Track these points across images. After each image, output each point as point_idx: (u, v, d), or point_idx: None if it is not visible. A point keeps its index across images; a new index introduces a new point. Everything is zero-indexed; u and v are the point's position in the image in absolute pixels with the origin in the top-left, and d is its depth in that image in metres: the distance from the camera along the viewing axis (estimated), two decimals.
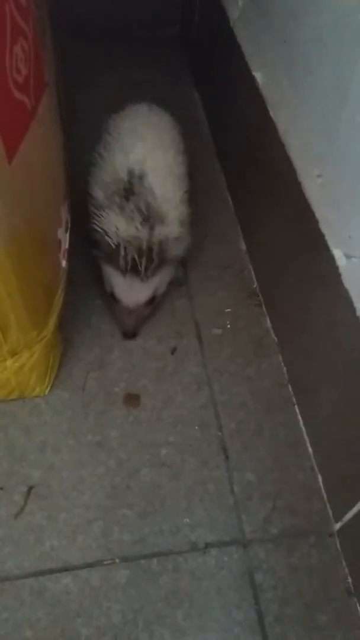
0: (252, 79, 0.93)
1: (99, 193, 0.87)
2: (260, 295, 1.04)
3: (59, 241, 0.80)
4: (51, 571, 0.76)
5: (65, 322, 0.93)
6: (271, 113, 0.87)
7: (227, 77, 1.13)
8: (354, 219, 0.69)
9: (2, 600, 0.73)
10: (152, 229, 0.82)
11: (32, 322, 0.76)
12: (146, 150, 0.88)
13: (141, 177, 0.85)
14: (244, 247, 1.10)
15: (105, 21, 1.48)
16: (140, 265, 0.82)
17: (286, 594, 0.75)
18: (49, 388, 0.89)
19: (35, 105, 0.63)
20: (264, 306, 1.02)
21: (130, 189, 0.84)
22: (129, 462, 0.84)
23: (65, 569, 0.76)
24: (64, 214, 0.82)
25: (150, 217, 0.83)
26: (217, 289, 1.05)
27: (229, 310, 1.02)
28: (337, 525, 0.79)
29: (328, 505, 0.81)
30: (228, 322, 1.01)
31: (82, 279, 1.00)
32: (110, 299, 0.91)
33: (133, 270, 0.83)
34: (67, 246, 0.84)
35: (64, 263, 0.83)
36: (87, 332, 0.97)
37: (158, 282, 0.88)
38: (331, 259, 0.70)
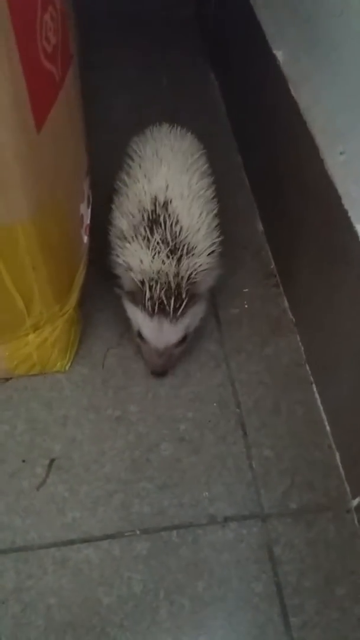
0: (273, 57, 0.93)
1: (122, 222, 0.82)
2: (277, 276, 1.04)
3: (82, 216, 0.81)
4: (72, 542, 0.77)
5: (85, 300, 0.94)
6: (292, 91, 0.87)
7: (246, 56, 1.12)
8: None
9: (26, 569, 0.74)
10: (179, 262, 0.76)
11: (55, 296, 0.77)
12: (170, 176, 0.83)
13: (165, 205, 0.80)
14: (260, 227, 1.10)
15: (120, 2, 1.48)
16: (169, 307, 0.76)
17: (304, 567, 0.76)
18: (69, 364, 0.90)
19: (63, 76, 0.64)
20: (281, 286, 1.03)
21: (155, 219, 0.79)
22: (148, 437, 0.85)
23: (87, 540, 0.77)
24: (86, 189, 0.82)
25: (177, 249, 0.77)
26: (235, 269, 1.05)
27: (246, 290, 1.03)
28: (355, 502, 0.80)
29: (345, 482, 0.82)
30: (245, 302, 1.01)
31: (100, 256, 1.00)
32: (137, 337, 0.84)
33: (161, 311, 0.77)
34: (88, 222, 0.84)
35: (85, 239, 0.84)
36: (106, 310, 0.98)
37: (189, 321, 0.81)
38: (354, 235, 0.70)
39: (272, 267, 1.06)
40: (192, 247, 0.78)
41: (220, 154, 1.20)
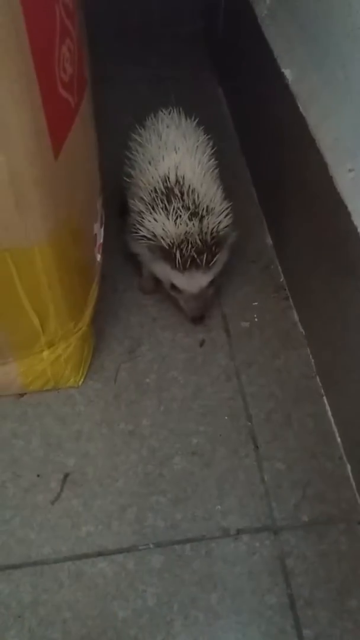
0: (281, 75, 0.94)
1: (139, 205, 0.89)
2: (287, 289, 1.05)
3: (95, 235, 0.82)
4: (87, 556, 0.78)
5: (96, 315, 0.95)
6: (301, 109, 0.89)
7: (254, 73, 1.14)
8: None
9: (41, 583, 0.75)
10: (201, 221, 0.84)
11: (70, 313, 0.78)
12: (179, 156, 0.90)
13: (178, 180, 0.87)
14: (270, 241, 1.12)
15: (128, 17, 1.50)
16: (201, 261, 0.84)
17: (317, 579, 0.77)
18: (82, 379, 0.91)
19: (78, 102, 0.65)
20: (291, 299, 1.04)
21: (170, 192, 0.86)
22: (161, 451, 0.86)
23: (101, 554, 0.78)
24: (99, 209, 0.84)
25: (197, 212, 0.85)
26: (244, 283, 1.06)
27: (256, 303, 1.04)
28: None
29: (357, 494, 0.83)
30: (255, 316, 1.02)
31: (110, 272, 1.03)
32: (171, 291, 0.92)
33: (192, 265, 0.85)
34: (101, 240, 0.86)
35: (98, 257, 0.86)
36: (117, 325, 1.00)
37: (217, 267, 0.90)
38: None
39: (281, 280, 1.07)
40: (211, 209, 0.86)
41: (229, 169, 1.20)
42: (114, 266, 1.04)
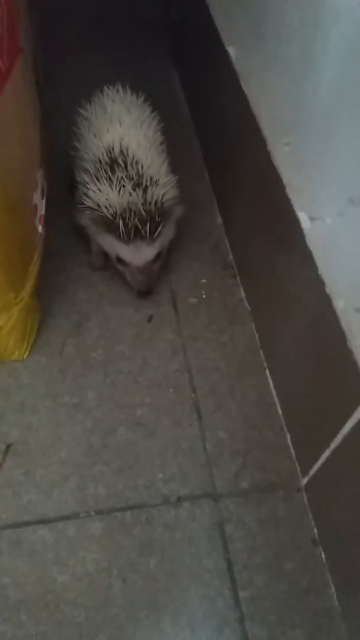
0: (226, 54, 0.96)
1: (84, 176, 0.89)
2: (235, 267, 1.07)
3: (35, 206, 0.83)
4: (28, 523, 0.78)
5: (44, 291, 0.96)
6: (244, 87, 0.90)
7: (204, 55, 1.15)
8: (318, 182, 0.72)
9: None
10: (145, 192, 0.84)
11: (8, 283, 0.79)
12: (123, 129, 0.91)
13: (122, 151, 0.88)
14: (219, 220, 1.13)
15: (85, 2, 1.50)
16: (145, 231, 0.85)
17: (255, 544, 0.79)
18: (27, 353, 0.91)
19: (9, 68, 0.66)
20: (238, 277, 1.05)
21: (114, 162, 0.87)
22: (105, 422, 0.87)
23: (42, 522, 0.79)
24: (40, 180, 0.84)
25: (141, 183, 0.85)
26: (193, 260, 1.08)
27: (204, 281, 1.05)
28: (304, 480, 0.83)
29: (296, 462, 0.85)
30: (203, 292, 1.04)
31: (60, 250, 1.03)
32: (117, 264, 0.92)
33: (137, 235, 0.85)
34: (43, 212, 0.86)
35: (40, 228, 0.86)
36: (64, 301, 1.00)
37: (162, 240, 0.90)
38: (296, 222, 0.73)
39: (230, 258, 1.08)
40: (155, 180, 0.86)
41: (183, 152, 1.23)
42: (64, 244, 1.05)
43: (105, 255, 0.99)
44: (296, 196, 0.75)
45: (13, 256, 0.76)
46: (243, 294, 1.03)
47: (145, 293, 0.95)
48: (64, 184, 1.02)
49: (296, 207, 0.74)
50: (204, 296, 1.03)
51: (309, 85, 0.74)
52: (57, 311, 0.98)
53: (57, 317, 0.98)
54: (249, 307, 1.01)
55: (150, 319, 0.99)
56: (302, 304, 0.77)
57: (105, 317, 0.99)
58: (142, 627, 0.73)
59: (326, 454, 0.74)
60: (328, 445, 0.72)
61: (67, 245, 1.05)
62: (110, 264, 1.00)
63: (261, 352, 0.96)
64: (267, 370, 0.94)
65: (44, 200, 0.86)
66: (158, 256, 0.92)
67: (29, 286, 0.82)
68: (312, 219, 0.72)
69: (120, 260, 0.91)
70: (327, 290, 0.66)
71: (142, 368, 0.93)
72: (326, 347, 0.70)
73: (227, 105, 1.00)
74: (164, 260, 0.98)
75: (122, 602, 0.74)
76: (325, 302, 0.66)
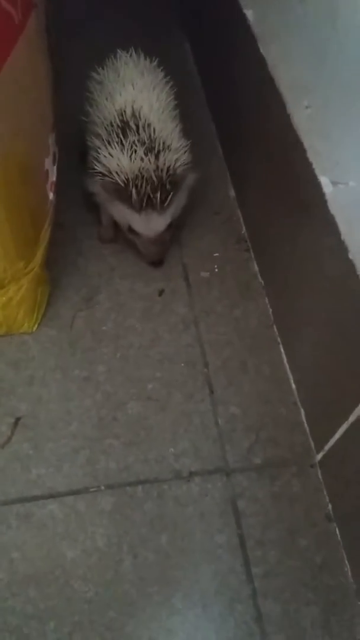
0: (243, 17, 0.92)
1: (96, 141, 0.87)
2: (248, 241, 1.04)
3: (47, 171, 0.80)
4: (37, 498, 0.77)
5: (53, 263, 0.93)
6: (261, 50, 0.87)
7: (218, 21, 1.11)
8: (340, 146, 0.70)
9: None
10: (157, 157, 0.82)
11: (19, 252, 0.76)
12: (136, 92, 0.88)
13: (135, 114, 0.85)
14: (233, 193, 1.10)
15: None
16: (156, 200, 0.82)
17: (268, 520, 0.77)
18: (36, 325, 0.89)
19: (23, 21, 0.63)
20: (251, 251, 1.03)
21: (126, 125, 0.84)
22: (115, 396, 0.85)
23: (51, 496, 0.77)
24: (52, 146, 0.81)
25: (153, 147, 0.83)
26: (206, 234, 1.05)
27: (217, 254, 1.03)
28: (319, 456, 0.81)
29: (310, 438, 0.83)
30: (216, 266, 1.01)
31: (70, 222, 1.00)
32: (129, 234, 0.90)
33: (148, 204, 0.83)
34: (54, 179, 0.83)
35: (51, 195, 0.83)
36: (75, 274, 0.98)
37: (174, 210, 0.88)
38: (318, 186, 0.70)
39: (243, 232, 1.06)
40: (168, 145, 0.84)
41: (195, 124, 1.19)
42: (74, 216, 1.02)
43: (115, 227, 0.96)
44: (317, 160, 0.72)
45: (24, 223, 0.74)
46: (256, 268, 1.01)
47: (158, 263, 0.94)
48: (72, 153, 0.98)
49: (317, 172, 0.71)
50: (216, 270, 1.01)
51: (331, 43, 0.70)
52: (67, 284, 0.96)
53: (67, 290, 0.95)
54: (262, 282, 0.99)
55: (161, 292, 0.97)
56: (321, 274, 0.74)
57: (116, 290, 0.96)
58: (153, 603, 0.71)
59: (343, 427, 0.72)
60: (346, 419, 0.70)
61: (76, 216, 1.02)
62: (120, 236, 0.98)
63: (274, 327, 0.93)
64: (280, 346, 0.91)
65: (55, 167, 0.83)
66: (169, 226, 0.89)
67: (39, 256, 0.80)
68: (334, 183, 0.70)
69: (131, 230, 0.88)
70: (351, 256, 0.63)
71: (153, 342, 0.91)
72: (348, 317, 0.67)
73: (242, 70, 0.97)
74: (177, 230, 0.95)
75: (133, 578, 0.72)
76: (349, 270, 0.63)
